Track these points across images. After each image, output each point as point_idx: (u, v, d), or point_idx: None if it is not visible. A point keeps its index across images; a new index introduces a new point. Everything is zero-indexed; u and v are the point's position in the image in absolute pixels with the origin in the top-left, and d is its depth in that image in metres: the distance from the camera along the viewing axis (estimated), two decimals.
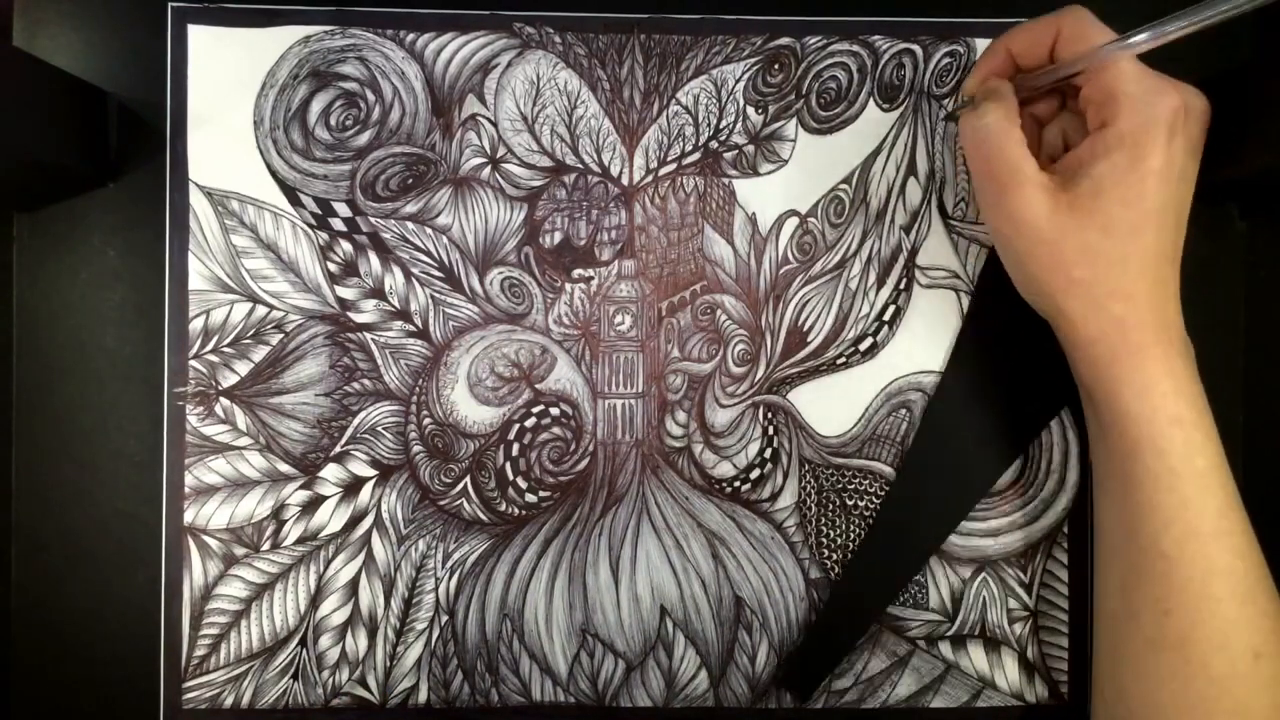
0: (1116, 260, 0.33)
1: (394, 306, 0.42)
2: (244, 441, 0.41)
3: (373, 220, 0.42)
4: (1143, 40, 0.33)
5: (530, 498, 0.42)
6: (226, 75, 0.41)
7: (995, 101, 0.36)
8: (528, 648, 0.42)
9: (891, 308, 0.42)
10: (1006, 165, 0.34)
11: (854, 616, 0.41)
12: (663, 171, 0.42)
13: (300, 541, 0.41)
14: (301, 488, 0.41)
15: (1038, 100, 0.38)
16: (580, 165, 0.42)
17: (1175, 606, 0.33)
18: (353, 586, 0.42)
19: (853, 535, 0.42)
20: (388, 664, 0.41)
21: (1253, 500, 0.35)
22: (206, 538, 0.41)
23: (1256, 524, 0.35)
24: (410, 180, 0.42)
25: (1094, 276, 0.34)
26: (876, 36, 0.42)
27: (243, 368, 0.41)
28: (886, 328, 0.42)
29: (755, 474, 0.42)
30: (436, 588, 0.42)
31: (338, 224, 0.42)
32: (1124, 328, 0.34)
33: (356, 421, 0.42)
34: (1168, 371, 0.34)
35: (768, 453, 0.42)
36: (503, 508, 0.42)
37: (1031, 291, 0.36)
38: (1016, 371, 0.40)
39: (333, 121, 0.42)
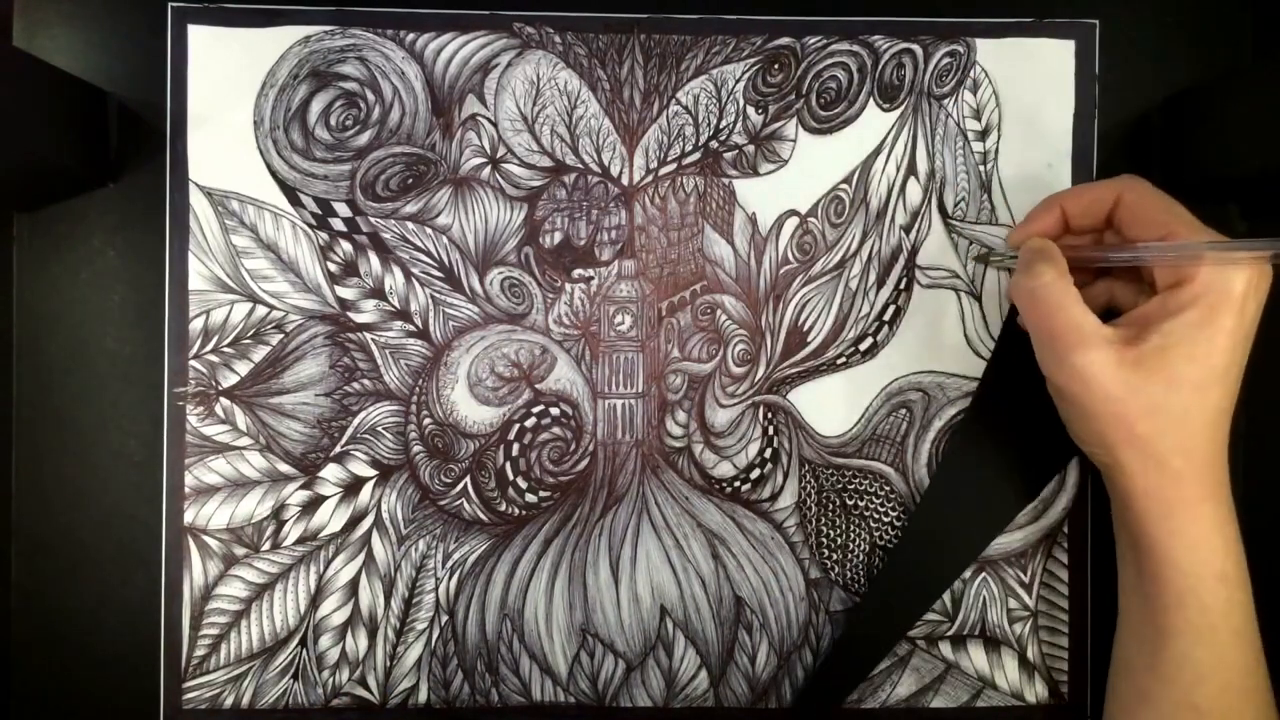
0: (1179, 416, 0.33)
1: (394, 306, 0.42)
2: (244, 441, 0.41)
3: (373, 220, 0.42)
4: (1240, 256, 0.33)
5: (530, 498, 0.42)
6: (226, 75, 0.41)
7: (1046, 262, 0.35)
8: (528, 648, 0.42)
9: (891, 308, 0.42)
10: (1068, 324, 0.34)
11: (868, 649, 0.41)
12: (663, 171, 0.42)
13: (300, 541, 0.41)
14: (301, 488, 0.41)
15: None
16: (580, 165, 0.42)
17: None
18: (353, 586, 0.42)
19: (853, 535, 0.42)
20: (388, 664, 0.41)
21: (1253, 500, 0.35)
22: (206, 538, 0.41)
23: (1257, 524, 0.35)
24: (410, 180, 0.42)
25: (1157, 431, 0.34)
26: (876, 36, 0.42)
27: (243, 368, 0.41)
28: (886, 328, 0.42)
29: (755, 474, 0.42)
30: (436, 588, 0.42)
31: (338, 224, 0.42)
32: (1180, 482, 0.34)
33: (356, 421, 0.42)
34: (1217, 528, 0.34)
35: (768, 453, 0.42)
36: (503, 508, 0.42)
37: (1090, 443, 0.36)
38: (1040, 412, 0.40)
39: (333, 121, 0.42)
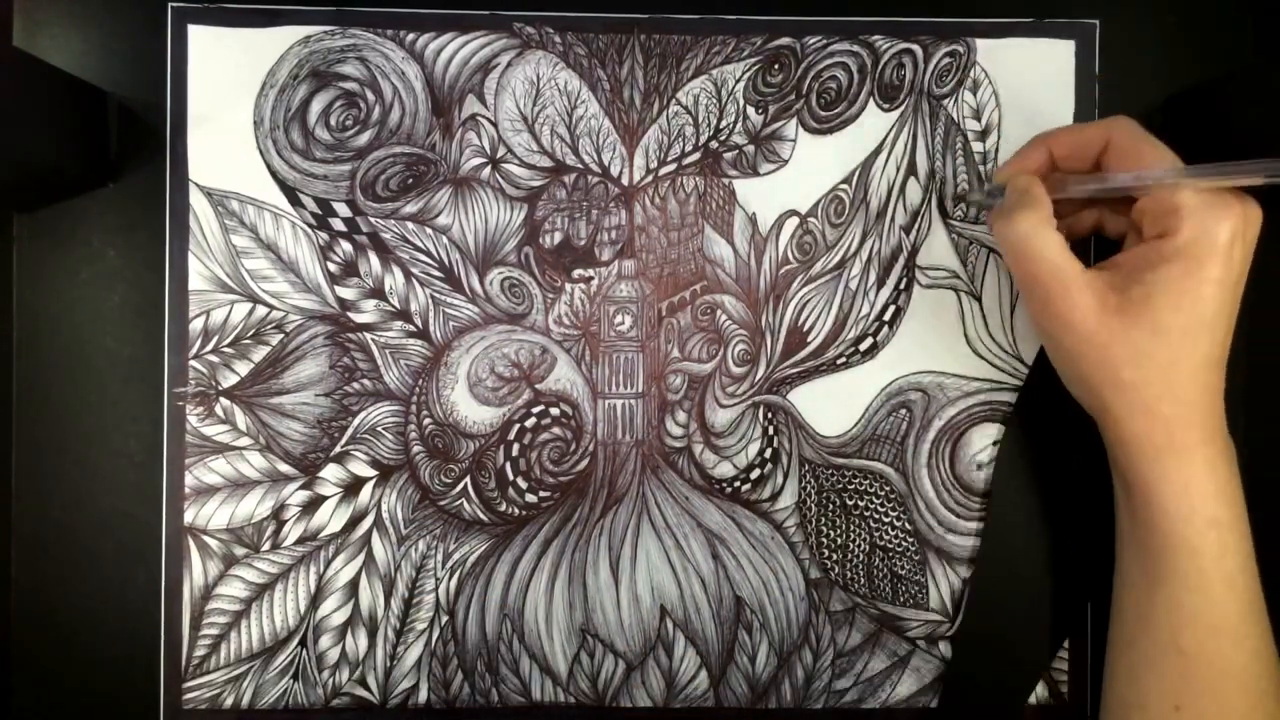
0: (1166, 363, 0.33)
1: (394, 306, 0.42)
2: (244, 441, 0.41)
3: (373, 220, 0.42)
4: (1214, 180, 0.33)
5: (530, 498, 0.42)
6: (226, 75, 0.41)
7: (1029, 207, 0.35)
8: (528, 648, 0.42)
9: (891, 308, 0.42)
10: (1050, 269, 0.34)
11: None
12: (663, 171, 0.42)
13: (300, 542, 0.41)
14: (301, 488, 0.41)
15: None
16: (580, 165, 0.42)
17: (1186, 704, 0.34)
18: (353, 587, 0.42)
19: (853, 535, 0.42)
20: (388, 664, 0.41)
21: (1253, 500, 0.35)
22: (206, 538, 0.41)
23: (1256, 524, 0.35)
24: (410, 180, 0.42)
25: (1143, 378, 0.34)
26: (876, 36, 0.42)
27: (243, 368, 0.41)
28: (886, 328, 0.42)
29: (755, 474, 0.42)
30: (436, 588, 0.42)
31: (338, 224, 0.42)
32: (1170, 428, 0.34)
33: (356, 422, 0.42)
34: (1210, 472, 0.34)
35: (768, 453, 0.42)
36: (503, 508, 0.42)
37: (1078, 389, 0.36)
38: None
39: (333, 121, 0.42)
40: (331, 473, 0.42)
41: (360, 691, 0.41)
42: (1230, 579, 0.34)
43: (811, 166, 0.42)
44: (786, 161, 0.42)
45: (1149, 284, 0.33)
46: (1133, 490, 0.35)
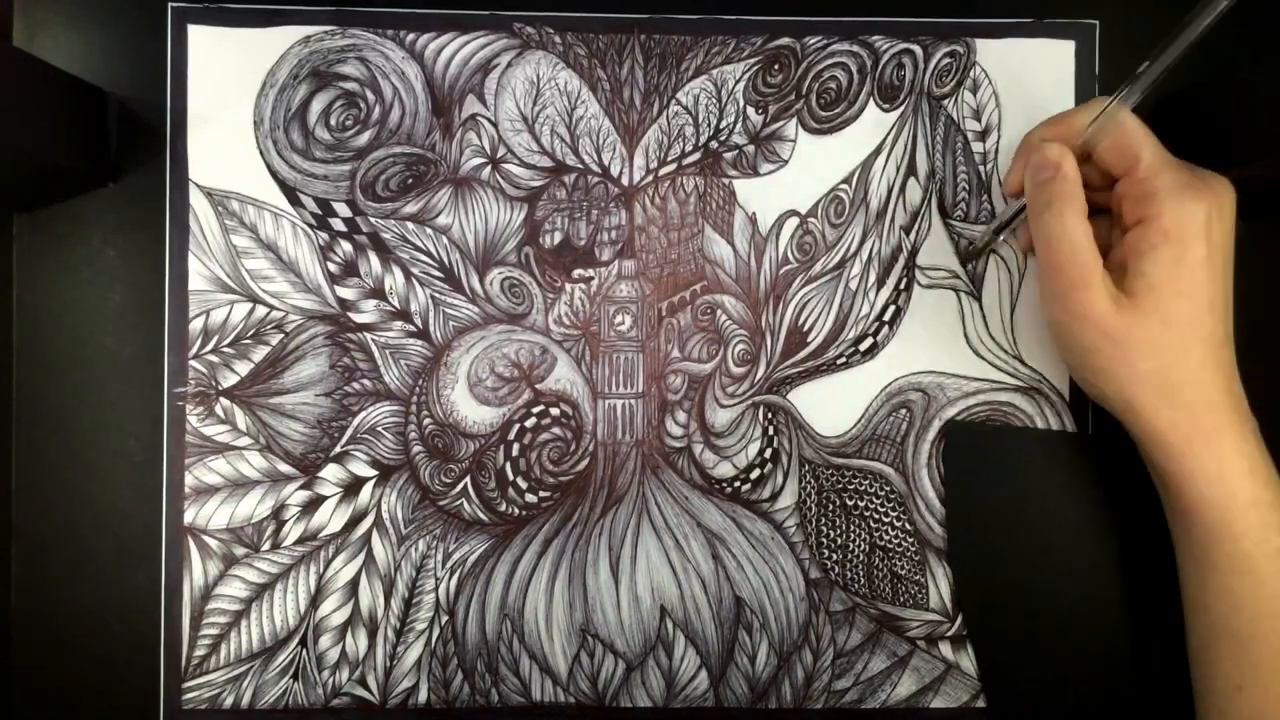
0: (1180, 350, 0.34)
1: (394, 306, 0.42)
2: (244, 441, 0.41)
3: (373, 220, 0.42)
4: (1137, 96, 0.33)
5: (530, 498, 0.42)
6: (226, 75, 0.41)
7: (1071, 204, 0.35)
8: (528, 648, 0.42)
9: (891, 308, 0.42)
10: (1080, 265, 0.34)
11: None
12: (663, 172, 0.42)
13: (300, 541, 0.41)
14: (301, 488, 0.41)
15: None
16: (580, 165, 0.42)
17: (1247, 683, 0.34)
18: (353, 586, 0.42)
19: (853, 535, 0.42)
20: (388, 664, 0.41)
21: None
22: (206, 538, 0.41)
23: None
24: (410, 180, 0.42)
25: (1160, 367, 0.34)
26: (876, 36, 0.42)
27: (243, 368, 0.41)
28: (886, 328, 0.42)
29: (755, 474, 0.42)
30: (436, 588, 0.42)
31: (338, 224, 0.42)
32: (1194, 413, 0.34)
33: (356, 421, 0.42)
34: (1242, 453, 0.34)
35: (768, 453, 0.42)
36: (503, 508, 0.42)
37: (1099, 385, 0.36)
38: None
39: (333, 121, 0.42)
40: (331, 473, 0.42)
41: (360, 691, 0.41)
42: (1277, 557, 0.34)
43: (811, 166, 0.42)
44: (786, 161, 0.42)
45: (1147, 274, 0.34)
46: (1169, 482, 0.36)
